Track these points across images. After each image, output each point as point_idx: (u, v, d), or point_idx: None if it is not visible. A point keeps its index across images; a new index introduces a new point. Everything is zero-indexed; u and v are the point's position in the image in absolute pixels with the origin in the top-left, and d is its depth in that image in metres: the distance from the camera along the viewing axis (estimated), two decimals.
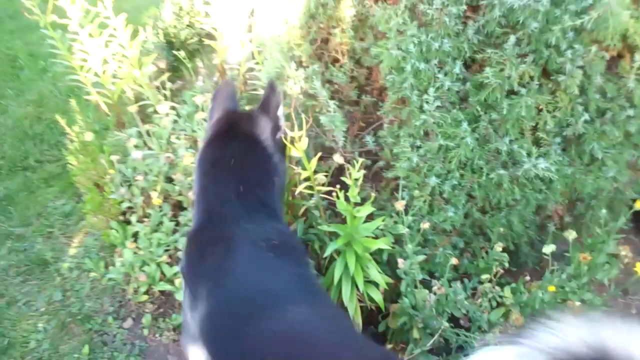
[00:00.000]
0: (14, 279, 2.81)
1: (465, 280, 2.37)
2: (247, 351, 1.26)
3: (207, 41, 3.63)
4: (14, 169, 3.62)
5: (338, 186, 2.00)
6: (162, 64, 3.35)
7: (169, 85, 3.32)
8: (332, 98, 2.52)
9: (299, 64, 2.52)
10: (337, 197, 1.93)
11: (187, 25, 4.46)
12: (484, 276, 2.21)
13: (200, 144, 2.09)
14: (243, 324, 1.31)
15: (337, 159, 2.06)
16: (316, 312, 1.39)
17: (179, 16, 4.42)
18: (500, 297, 2.21)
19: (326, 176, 2.10)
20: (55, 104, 4.36)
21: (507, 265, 2.29)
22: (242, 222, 1.62)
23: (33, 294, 2.72)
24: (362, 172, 1.90)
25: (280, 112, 2.02)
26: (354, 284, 1.99)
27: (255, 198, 1.75)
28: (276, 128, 1.98)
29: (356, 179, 1.87)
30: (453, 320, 2.14)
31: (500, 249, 2.20)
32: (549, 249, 2.00)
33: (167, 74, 3.35)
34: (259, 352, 1.26)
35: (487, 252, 2.34)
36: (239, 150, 1.84)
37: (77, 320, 2.53)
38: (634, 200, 2.10)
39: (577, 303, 2.00)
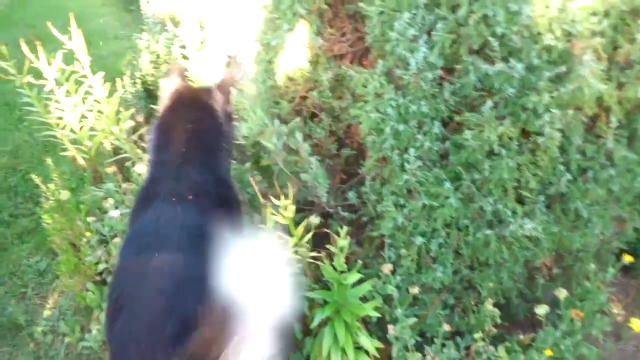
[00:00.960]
0: None
1: (458, 338, 2.38)
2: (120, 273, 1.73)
3: None
4: None
5: (323, 253, 2.01)
6: (140, 118, 3.36)
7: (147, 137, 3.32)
8: (312, 153, 2.55)
9: (279, 119, 2.55)
10: (323, 262, 1.94)
11: (165, 74, 4.47)
12: (477, 335, 2.22)
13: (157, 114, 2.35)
14: (128, 256, 1.75)
15: (314, 219, 2.07)
16: (184, 259, 1.66)
17: (156, 64, 4.44)
18: (495, 356, 2.22)
19: (309, 241, 2.11)
20: (30, 154, 4.34)
21: (499, 320, 2.31)
22: (170, 180, 1.89)
23: None
24: (348, 239, 1.91)
25: (233, 86, 2.26)
26: (344, 353, 1.98)
27: (196, 160, 1.98)
28: (227, 100, 2.21)
29: (341, 248, 1.88)
30: None
31: (491, 305, 2.21)
32: (541, 309, 2.01)
33: (145, 127, 3.35)
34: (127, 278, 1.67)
35: (477, 307, 2.35)
36: (189, 117, 2.10)
37: None
38: (621, 251, 2.13)
39: None
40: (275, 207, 2.12)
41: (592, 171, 1.92)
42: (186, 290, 1.55)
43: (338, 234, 2.22)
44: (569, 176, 1.91)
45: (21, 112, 4.70)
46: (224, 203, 1.98)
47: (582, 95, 1.64)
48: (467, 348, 2.30)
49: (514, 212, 2.00)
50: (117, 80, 4.02)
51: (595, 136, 1.90)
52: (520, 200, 2.06)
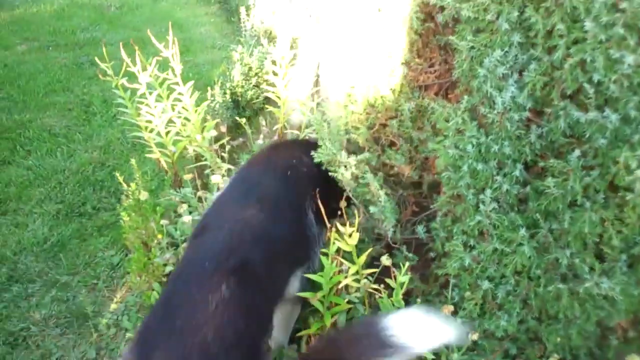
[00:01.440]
0: (53, 330, 2.93)
1: None
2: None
3: (269, 107, 3.75)
4: (70, 215, 3.81)
5: (382, 286, 1.98)
6: (224, 128, 3.49)
7: (228, 147, 3.45)
8: (385, 181, 2.54)
9: (356, 146, 2.56)
10: (381, 298, 1.91)
11: (254, 86, 4.65)
12: None
13: None
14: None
15: (385, 261, 2.05)
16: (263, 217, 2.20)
17: (247, 76, 4.62)
18: None
19: (372, 274, 2.09)
20: (120, 152, 4.61)
21: None
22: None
23: (68, 349, 2.81)
24: (409, 275, 1.88)
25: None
26: None
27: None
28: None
29: (402, 283, 1.85)
30: None
31: None
32: None
33: (227, 138, 3.48)
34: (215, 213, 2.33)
35: None
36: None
37: None
38: None
39: None
40: (340, 233, 2.14)
41: None
42: (255, 240, 2.08)
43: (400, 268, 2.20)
44: None
45: (116, 111, 5.03)
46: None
47: None
48: None
49: (592, 269, 1.88)
50: (208, 89, 4.22)
51: None
52: (600, 257, 1.94)
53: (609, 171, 1.78)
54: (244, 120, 3.50)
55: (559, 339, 2.16)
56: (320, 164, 2.38)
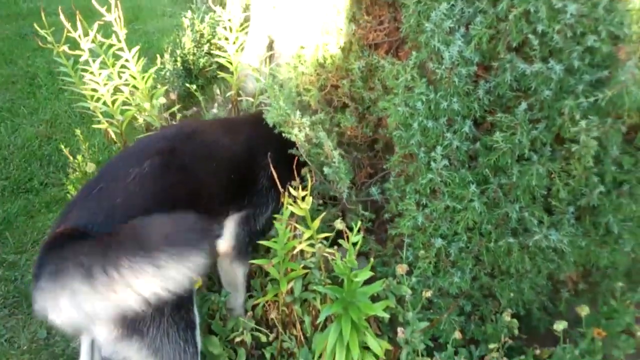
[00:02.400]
0: (1, 311, 2.83)
1: (473, 347, 2.31)
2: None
3: (221, 73, 3.66)
4: (16, 191, 3.67)
5: (336, 247, 1.97)
6: (174, 96, 3.39)
7: (179, 115, 3.36)
8: (340, 144, 2.52)
9: (308, 109, 2.52)
10: (334, 260, 1.90)
11: (206, 53, 4.52)
12: (491, 345, 2.15)
13: None
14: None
15: (339, 225, 2.03)
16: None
17: (199, 43, 4.48)
18: None
19: (327, 238, 2.08)
20: (67, 125, 4.44)
21: (516, 332, 2.23)
22: None
23: (17, 330, 2.73)
24: (361, 235, 1.87)
25: None
26: (349, 351, 1.94)
27: None
28: None
29: (354, 243, 1.84)
30: None
31: (509, 316, 2.14)
32: (560, 325, 1.93)
33: (177, 106, 3.38)
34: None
35: (496, 316, 2.28)
36: None
37: None
38: None
39: None
40: (293, 197, 2.11)
41: (627, 185, 1.82)
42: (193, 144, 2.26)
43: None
44: (602, 188, 1.82)
45: (63, 83, 4.83)
46: None
47: (622, 102, 1.55)
48: (482, 358, 2.24)
49: (541, 222, 1.92)
50: (157, 56, 4.09)
51: (635, 148, 1.81)
52: (549, 210, 1.98)
53: (554, 123, 1.79)
54: (194, 87, 3.40)
55: (511, 294, 2.21)
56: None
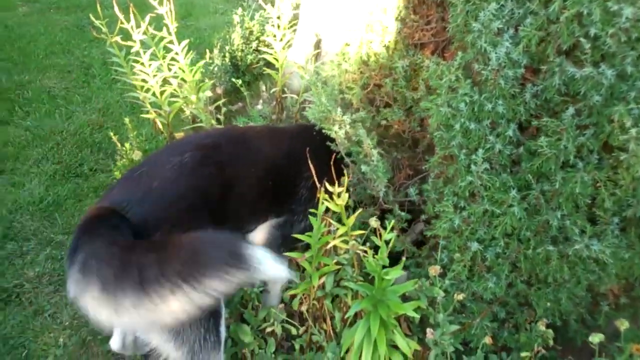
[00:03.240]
0: (46, 288, 2.94)
1: (504, 354, 2.26)
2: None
3: (267, 70, 3.69)
4: (67, 175, 3.80)
5: (368, 244, 1.96)
6: (220, 90, 3.45)
7: (224, 110, 3.40)
8: (380, 144, 2.50)
9: (350, 107, 2.52)
10: (365, 256, 1.89)
11: (255, 50, 4.58)
12: (524, 353, 2.10)
13: None
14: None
15: (373, 223, 2.01)
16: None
17: (247, 40, 4.54)
18: None
19: (362, 236, 2.07)
20: (118, 114, 4.57)
21: (551, 343, 2.17)
22: None
23: (60, 306, 2.82)
24: (394, 233, 1.85)
25: None
26: (376, 348, 1.93)
27: None
28: None
29: (387, 241, 1.83)
30: None
31: (544, 326, 2.08)
32: (596, 338, 1.86)
33: (223, 100, 3.43)
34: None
35: (530, 325, 2.22)
36: None
37: (98, 340, 2.61)
38: None
39: None
40: (329, 193, 2.10)
41: None
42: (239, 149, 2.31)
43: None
44: None
45: (115, 74, 4.98)
46: None
47: None
48: None
49: (583, 231, 1.85)
50: (207, 51, 4.16)
51: None
52: (592, 220, 1.91)
53: (603, 130, 1.73)
54: (239, 82, 3.45)
55: (548, 304, 2.14)
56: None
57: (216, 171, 2.18)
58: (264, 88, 4.04)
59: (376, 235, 2.12)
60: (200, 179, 2.11)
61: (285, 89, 3.87)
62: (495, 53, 1.81)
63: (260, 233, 2.43)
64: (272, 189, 2.37)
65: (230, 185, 2.22)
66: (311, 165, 2.21)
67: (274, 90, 3.68)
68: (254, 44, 4.74)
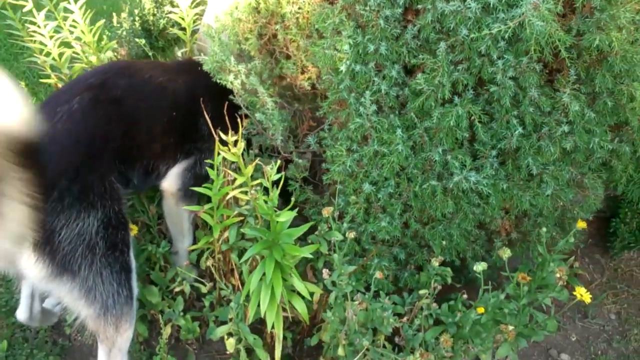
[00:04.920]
0: None
1: (405, 295, 2.37)
2: None
3: (177, 32, 3.62)
4: None
5: (258, 188, 2.00)
6: (123, 51, 3.36)
7: None
8: (282, 96, 2.53)
9: (248, 58, 2.52)
10: (256, 199, 1.93)
11: (168, 13, 4.47)
12: (422, 291, 2.21)
13: None
14: None
15: (268, 169, 2.03)
16: None
17: (160, 4, 4.43)
18: (438, 314, 2.21)
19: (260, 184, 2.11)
20: (26, 85, 4.39)
21: (449, 280, 2.28)
22: None
23: None
24: (282, 174, 1.90)
25: None
26: (274, 294, 1.98)
27: None
28: None
29: (275, 182, 1.87)
30: (390, 338, 2.14)
31: (438, 263, 2.18)
32: (479, 267, 1.98)
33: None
34: None
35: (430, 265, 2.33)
36: None
37: (2, 313, 2.55)
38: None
39: (510, 327, 1.96)
40: (224, 143, 2.12)
41: (547, 127, 1.85)
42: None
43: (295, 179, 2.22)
44: (521, 130, 1.85)
45: (18, 39, 4.77)
46: None
47: (525, 35, 1.57)
48: (413, 304, 2.29)
49: (464, 165, 1.95)
50: (113, 15, 4.05)
51: (553, 90, 1.83)
52: (475, 155, 2.01)
53: (475, 65, 1.81)
54: (142, 41, 3.38)
55: (444, 242, 2.25)
56: None
57: (112, 108, 2.11)
58: (179, 53, 3.97)
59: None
60: (96, 123, 2.04)
61: (201, 52, 3.82)
62: None
63: (173, 178, 2.43)
64: (175, 124, 2.34)
65: (132, 119, 2.18)
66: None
67: (182, 50, 3.62)
68: (166, 9, 4.62)
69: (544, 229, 2.06)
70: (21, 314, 2.34)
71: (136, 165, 2.27)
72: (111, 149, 2.08)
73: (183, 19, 3.44)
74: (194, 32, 3.55)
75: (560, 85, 1.80)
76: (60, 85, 3.35)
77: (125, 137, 2.15)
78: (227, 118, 2.17)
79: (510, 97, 1.80)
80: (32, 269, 1.85)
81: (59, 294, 1.97)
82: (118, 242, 2.00)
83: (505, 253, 2.01)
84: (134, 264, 2.12)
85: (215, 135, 2.14)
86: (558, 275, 1.92)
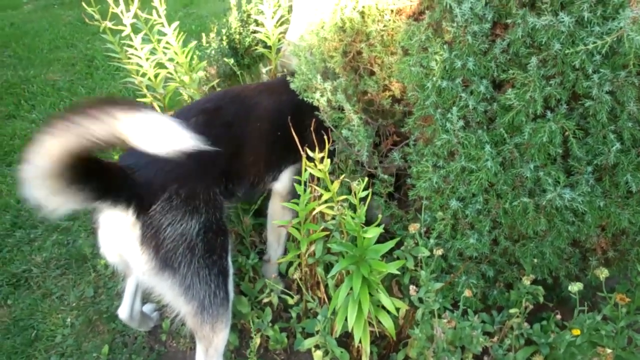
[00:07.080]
0: (53, 272, 3.13)
1: (495, 312, 2.34)
2: None
3: (263, 50, 3.78)
4: None
5: (346, 205, 2.06)
6: (212, 70, 3.55)
7: (219, 89, 3.51)
8: (366, 111, 2.58)
9: (333, 75, 2.60)
10: (344, 217, 1.99)
11: (253, 32, 4.66)
12: (513, 310, 2.18)
13: None
14: None
15: (354, 186, 2.09)
16: None
17: (245, 23, 4.63)
18: (529, 334, 2.17)
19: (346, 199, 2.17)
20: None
21: (541, 299, 2.24)
22: None
23: (67, 288, 3.00)
24: (369, 191, 1.95)
25: None
26: (361, 309, 2.03)
27: None
28: None
29: (362, 199, 1.92)
30: (479, 357, 2.13)
31: (529, 282, 2.15)
32: (574, 287, 1.93)
33: (217, 80, 3.54)
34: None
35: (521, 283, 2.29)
36: None
37: (104, 319, 2.77)
38: None
39: (609, 350, 1.90)
40: (311, 159, 2.20)
41: None
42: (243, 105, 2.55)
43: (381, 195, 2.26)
44: (619, 146, 1.79)
45: (118, 65, 5.14)
46: None
47: (624, 50, 1.53)
48: (503, 323, 2.27)
49: (557, 182, 1.91)
50: (202, 35, 4.28)
51: None
52: (569, 171, 1.97)
53: (568, 79, 1.78)
54: (231, 61, 3.55)
55: (535, 260, 2.21)
56: None
57: (222, 131, 2.34)
58: (264, 70, 4.13)
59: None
60: (206, 142, 2.21)
61: (284, 69, 3.96)
62: (460, 9, 1.88)
63: (285, 180, 2.65)
64: (281, 140, 2.50)
65: (240, 142, 2.40)
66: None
67: (267, 68, 3.77)
68: (251, 27, 4.82)
69: None
70: (123, 312, 2.54)
71: (243, 181, 2.48)
72: (218, 167, 2.26)
73: (268, 37, 3.58)
74: (278, 50, 3.67)
75: None
76: (155, 105, 3.60)
77: (232, 158, 2.36)
78: (325, 131, 2.34)
79: (607, 112, 1.76)
80: (138, 261, 2.02)
81: (161, 290, 2.12)
82: (217, 247, 2.15)
83: (603, 273, 1.95)
84: (231, 269, 2.25)
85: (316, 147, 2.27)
86: None
